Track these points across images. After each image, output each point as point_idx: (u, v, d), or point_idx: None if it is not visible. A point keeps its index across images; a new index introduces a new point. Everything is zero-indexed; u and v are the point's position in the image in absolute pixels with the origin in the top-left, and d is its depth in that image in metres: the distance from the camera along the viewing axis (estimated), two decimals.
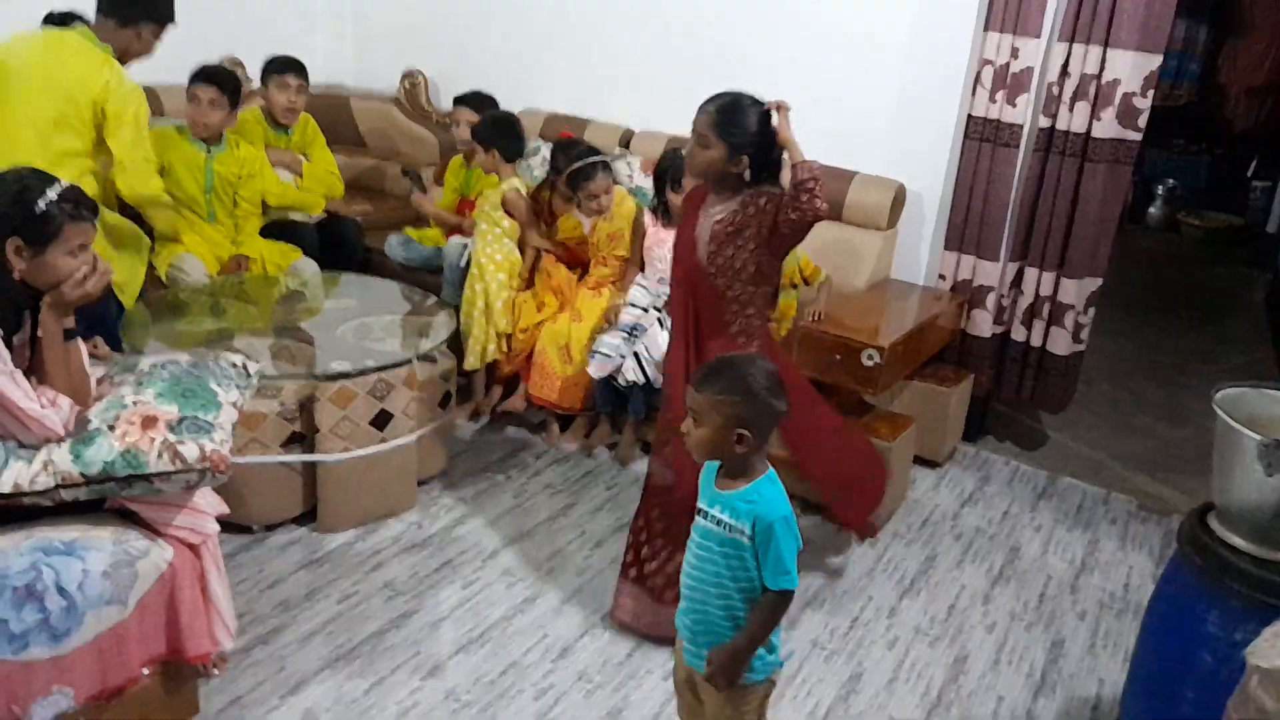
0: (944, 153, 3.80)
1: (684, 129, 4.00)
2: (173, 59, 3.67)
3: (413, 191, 4.04)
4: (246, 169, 3.72)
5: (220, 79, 3.57)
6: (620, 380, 3.41)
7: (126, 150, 3.10)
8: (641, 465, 3.51)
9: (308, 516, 3.04)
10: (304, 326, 3.46)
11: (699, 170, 2.43)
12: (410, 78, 4.83)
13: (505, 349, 3.67)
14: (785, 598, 1.82)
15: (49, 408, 2.02)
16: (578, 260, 3.83)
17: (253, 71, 4.50)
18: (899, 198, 3.77)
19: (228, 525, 2.29)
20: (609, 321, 3.49)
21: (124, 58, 3.17)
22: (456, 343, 3.57)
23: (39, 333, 2.07)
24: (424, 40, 4.91)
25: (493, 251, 3.69)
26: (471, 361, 3.65)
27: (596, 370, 3.41)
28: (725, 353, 2.24)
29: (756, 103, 2.38)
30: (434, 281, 3.94)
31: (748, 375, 1.81)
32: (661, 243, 3.53)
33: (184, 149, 3.58)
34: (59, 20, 3.13)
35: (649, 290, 3.55)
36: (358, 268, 4.03)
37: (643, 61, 4.35)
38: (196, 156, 3.60)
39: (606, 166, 3.62)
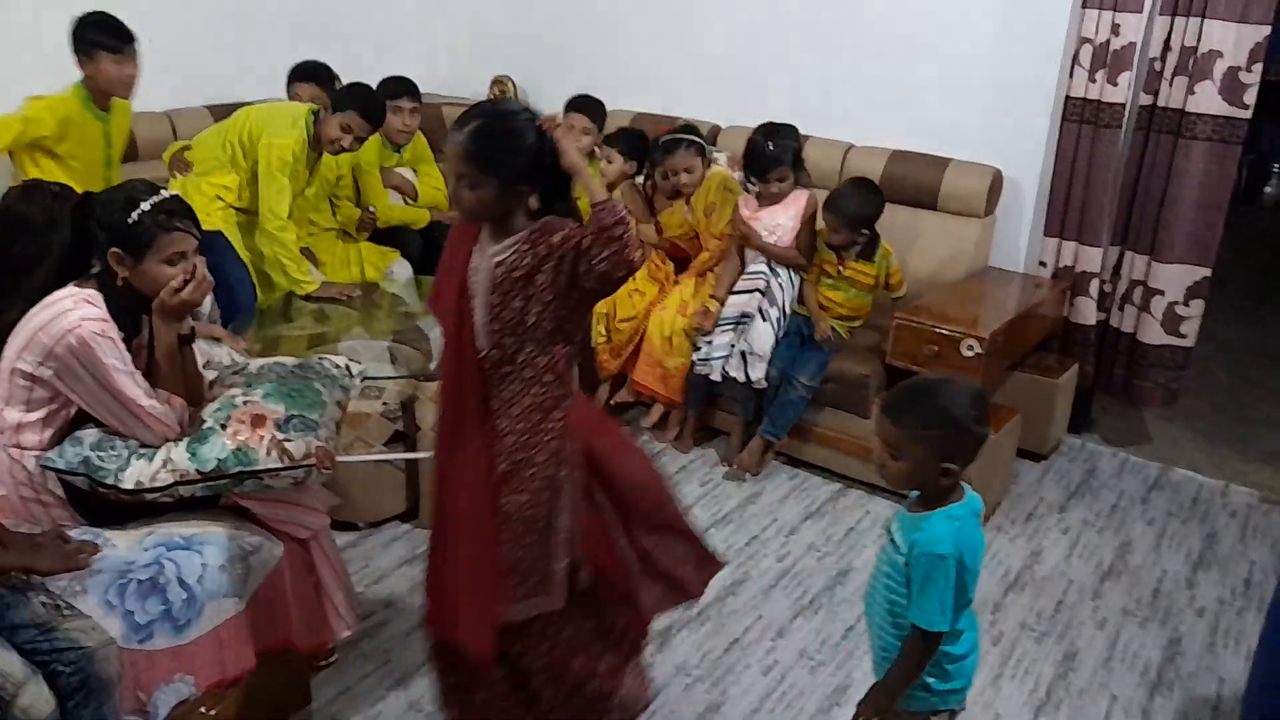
0: (1042, 136, 3.69)
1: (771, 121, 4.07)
2: (273, 75, 3.83)
3: None
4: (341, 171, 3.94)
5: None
6: (721, 376, 3.42)
7: (261, 190, 3.43)
8: (771, 478, 3.51)
9: (411, 514, 3.12)
10: (405, 329, 3.54)
11: (470, 214, 1.88)
12: (499, 84, 4.91)
13: (605, 337, 3.70)
14: (926, 640, 1.69)
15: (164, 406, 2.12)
16: (685, 256, 3.85)
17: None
18: (996, 184, 3.68)
19: (335, 522, 2.37)
20: (699, 329, 3.48)
21: (326, 133, 3.48)
22: None
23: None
24: (511, 46, 4.99)
25: None
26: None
27: (714, 375, 3.44)
28: (908, 380, 1.79)
29: (528, 116, 1.84)
30: None
31: (949, 403, 1.66)
32: (758, 220, 3.52)
33: None
34: (305, 72, 3.73)
35: (761, 272, 3.51)
36: None
37: (728, 56, 4.34)
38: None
39: (691, 145, 3.60)
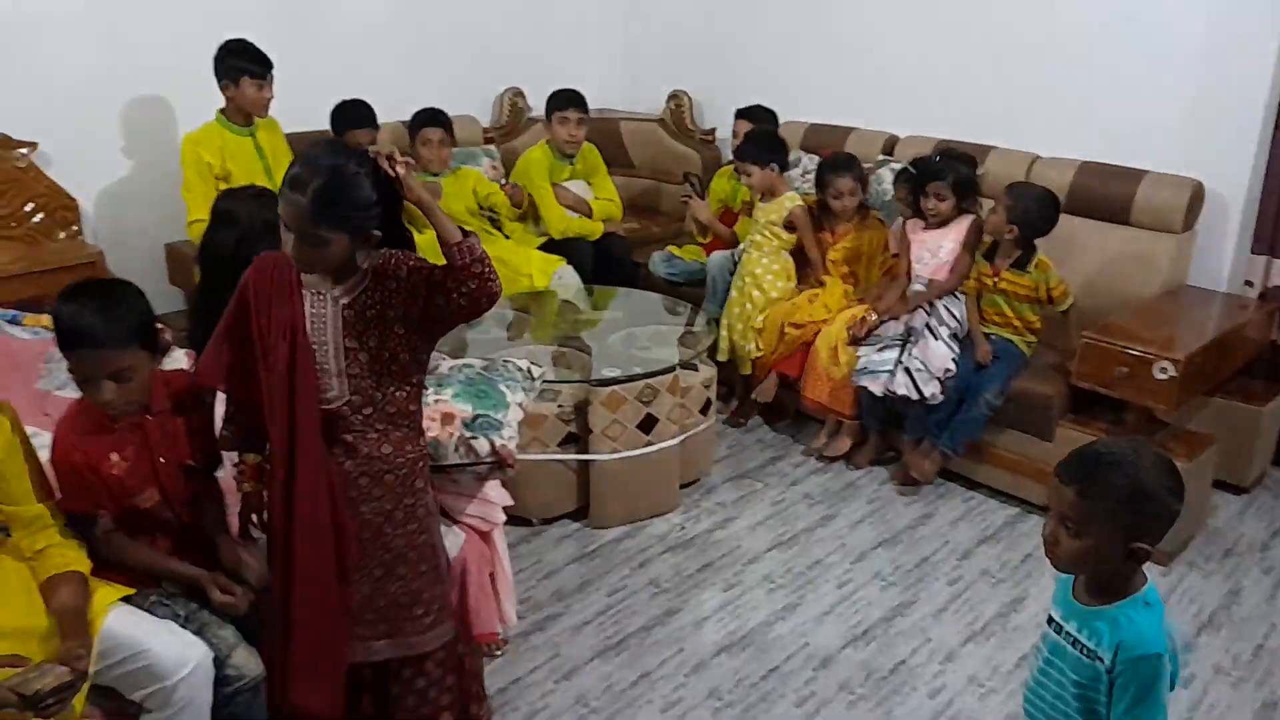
0: (1250, 146, 3.44)
1: (951, 132, 3.98)
2: (459, 92, 4.04)
3: (691, 196, 4.15)
4: (480, 189, 4.15)
5: (445, 120, 4.03)
6: (883, 391, 3.35)
7: None
8: (935, 495, 3.44)
9: (580, 513, 3.21)
10: (578, 335, 3.66)
11: (323, 269, 1.77)
12: (675, 98, 4.99)
13: (758, 351, 3.71)
14: None
15: None
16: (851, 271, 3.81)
17: (531, 100, 4.85)
18: (1196, 197, 3.46)
19: (509, 517, 2.47)
20: (852, 334, 3.45)
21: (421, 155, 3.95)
22: (716, 352, 3.69)
23: None
24: (689, 61, 5.07)
25: (770, 263, 3.77)
26: (723, 352, 3.75)
27: (874, 387, 3.36)
28: (1089, 445, 1.56)
29: (361, 159, 1.73)
30: (694, 294, 4.06)
31: (1141, 472, 1.46)
32: (922, 243, 3.49)
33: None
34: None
35: (924, 291, 3.46)
36: (625, 282, 4.21)
37: (907, 66, 4.27)
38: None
39: (853, 166, 3.67)
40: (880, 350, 3.39)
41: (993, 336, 3.38)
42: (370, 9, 4.38)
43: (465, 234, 1.72)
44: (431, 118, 4.04)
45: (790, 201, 3.76)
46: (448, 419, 2.27)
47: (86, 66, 3.68)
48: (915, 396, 3.29)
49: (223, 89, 3.53)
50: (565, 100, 4.17)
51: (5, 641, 1.69)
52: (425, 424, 2.23)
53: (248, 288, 1.81)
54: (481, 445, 2.24)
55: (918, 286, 3.47)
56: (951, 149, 3.60)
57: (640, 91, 5.27)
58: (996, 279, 3.35)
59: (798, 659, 2.61)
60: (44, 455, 1.88)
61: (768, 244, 3.78)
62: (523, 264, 4.03)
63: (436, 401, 2.33)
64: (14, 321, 3.27)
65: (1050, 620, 1.60)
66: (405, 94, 4.31)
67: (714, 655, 2.62)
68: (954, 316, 3.42)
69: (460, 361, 2.52)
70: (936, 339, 3.34)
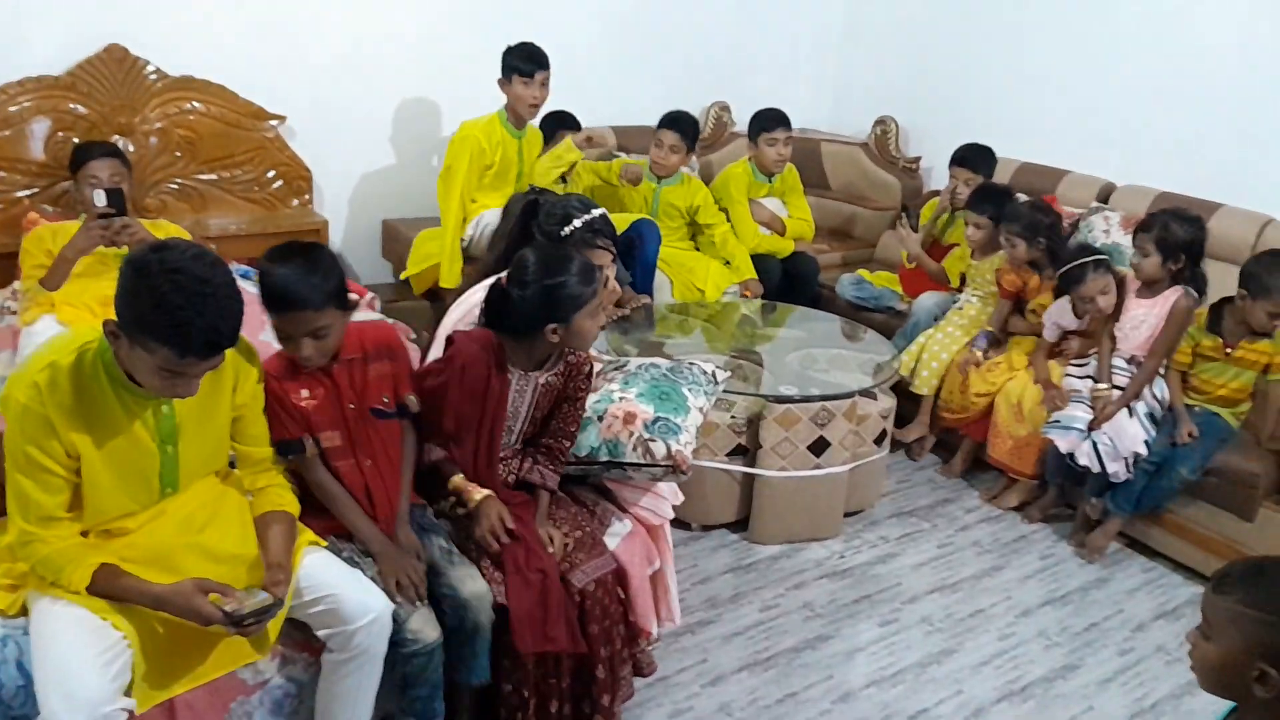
0: None
1: (1175, 184, 3.77)
2: (670, 103, 4.11)
3: (903, 225, 4.08)
4: (697, 202, 4.11)
5: (684, 125, 3.99)
6: (1069, 450, 3.20)
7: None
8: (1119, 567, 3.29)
9: (740, 525, 3.23)
10: (754, 350, 3.67)
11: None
12: (882, 124, 4.92)
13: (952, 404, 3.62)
14: None
15: None
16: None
17: (736, 115, 4.90)
18: None
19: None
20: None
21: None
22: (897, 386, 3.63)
23: None
24: (900, 89, 5.00)
25: (985, 307, 3.74)
26: (929, 384, 3.67)
27: (1062, 443, 3.20)
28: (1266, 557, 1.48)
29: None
30: (878, 320, 4.02)
31: None
32: (1126, 311, 3.30)
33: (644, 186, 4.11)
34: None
35: (1122, 368, 3.29)
36: (809, 302, 4.20)
37: (1132, 109, 4.08)
38: (647, 189, 4.09)
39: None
40: (1075, 406, 3.24)
41: (1196, 409, 3.17)
42: (586, 21, 4.51)
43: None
44: (781, 120, 4.14)
45: (1000, 260, 3.67)
46: (629, 418, 2.33)
47: (335, 50, 3.97)
48: (1097, 469, 3.14)
49: (502, 87, 3.71)
50: (775, 120, 4.18)
51: (220, 566, 1.86)
52: (607, 421, 2.34)
53: (458, 361, 2.10)
54: (659, 448, 2.29)
55: (1119, 361, 3.30)
56: (1176, 210, 3.27)
57: (844, 114, 5.23)
58: (1230, 349, 3.11)
59: (949, 705, 2.54)
60: None
61: (989, 297, 3.74)
62: (702, 276, 4.07)
63: (621, 399, 2.40)
64: (245, 276, 3.59)
65: None
66: (619, 103, 4.46)
67: (863, 687, 2.58)
68: (1154, 395, 3.23)
69: (647, 360, 2.58)
70: (1131, 416, 3.16)
